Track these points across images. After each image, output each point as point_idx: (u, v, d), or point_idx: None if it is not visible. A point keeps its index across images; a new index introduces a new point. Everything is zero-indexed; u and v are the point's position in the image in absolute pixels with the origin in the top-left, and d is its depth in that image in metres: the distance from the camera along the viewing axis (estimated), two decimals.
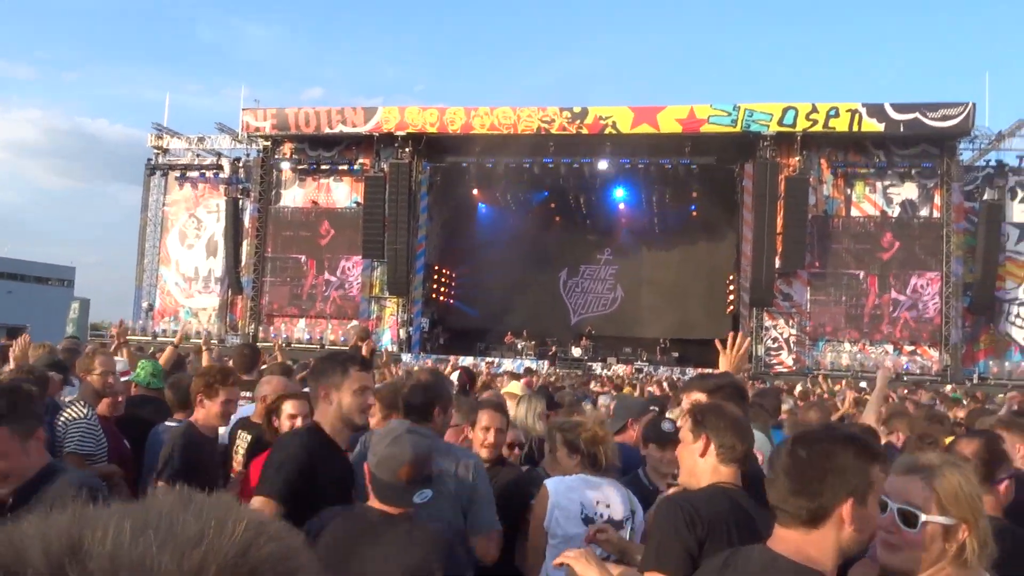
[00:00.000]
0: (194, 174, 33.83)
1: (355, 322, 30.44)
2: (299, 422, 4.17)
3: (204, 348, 7.24)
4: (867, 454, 1.87)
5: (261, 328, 31.79)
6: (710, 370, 5.33)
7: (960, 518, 1.96)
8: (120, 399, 5.01)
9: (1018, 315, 27.66)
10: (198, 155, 34.46)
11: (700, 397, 3.25)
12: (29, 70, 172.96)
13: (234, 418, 4.77)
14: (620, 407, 5.56)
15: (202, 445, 4.11)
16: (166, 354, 7.24)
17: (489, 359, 28.36)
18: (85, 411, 4.52)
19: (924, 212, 28.15)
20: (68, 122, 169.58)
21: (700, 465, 2.66)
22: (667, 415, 5.10)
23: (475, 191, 32.56)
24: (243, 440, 4.61)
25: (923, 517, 1.96)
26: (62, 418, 4.46)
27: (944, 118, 26.86)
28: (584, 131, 28.53)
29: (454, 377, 6.79)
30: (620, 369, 27.33)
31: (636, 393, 12.21)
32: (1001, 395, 16.87)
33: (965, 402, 13.02)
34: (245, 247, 32.44)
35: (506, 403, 4.83)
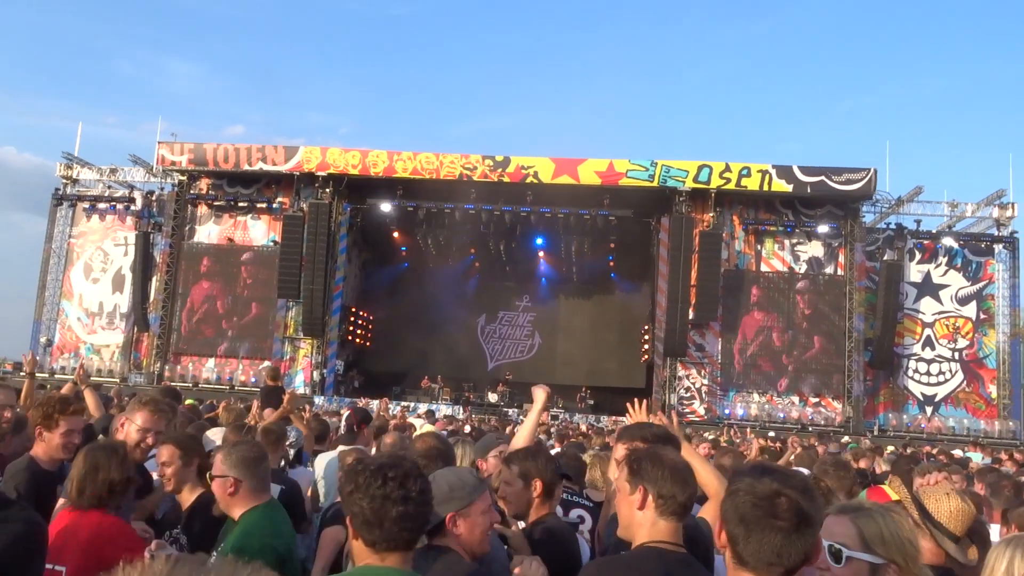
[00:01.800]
0: (104, 206, 32.70)
1: (267, 363, 29.69)
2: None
3: (81, 385, 6.50)
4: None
5: (167, 367, 30.66)
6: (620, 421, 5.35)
7: (889, 558, 2.03)
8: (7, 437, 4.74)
9: (916, 370, 28.96)
10: (109, 187, 33.40)
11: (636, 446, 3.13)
12: None
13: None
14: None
15: (43, 480, 3.88)
16: (64, 390, 6.78)
17: (404, 403, 28.01)
18: None
19: (829, 270, 29.37)
20: None
21: (637, 518, 2.48)
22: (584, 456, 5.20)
23: (395, 234, 32.44)
24: None
25: (846, 553, 2.04)
26: None
27: (848, 182, 28.23)
28: (506, 179, 28.85)
29: (344, 417, 6.54)
30: None
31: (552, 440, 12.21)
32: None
33: (850, 448, 13.52)
34: (154, 283, 31.40)
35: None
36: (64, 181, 33.19)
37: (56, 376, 28.44)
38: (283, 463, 5.72)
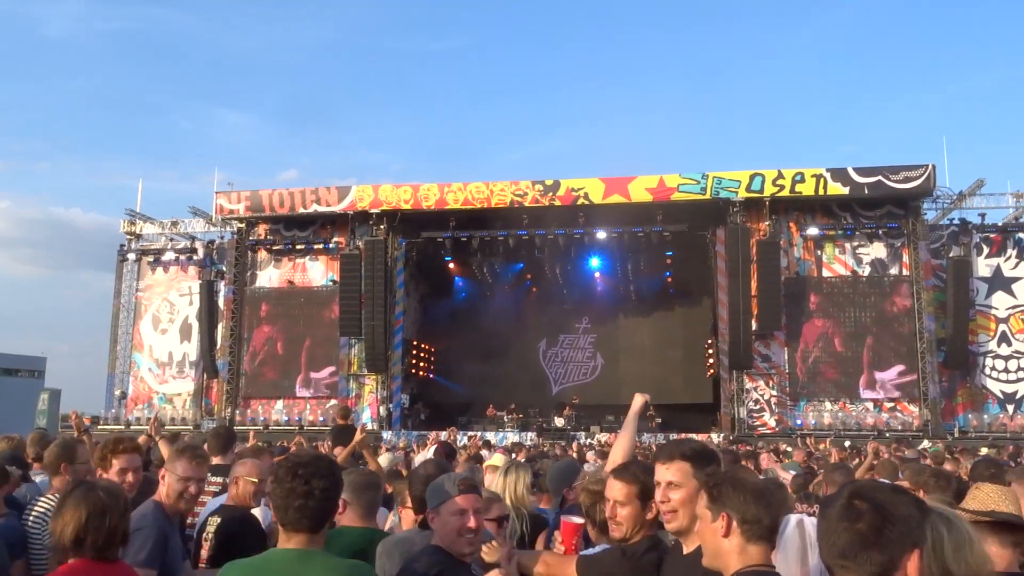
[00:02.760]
0: (167, 258, 33.68)
1: (334, 401, 30.09)
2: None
3: (158, 437, 6.66)
4: (922, 506, 1.87)
5: (238, 412, 31.26)
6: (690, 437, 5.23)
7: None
8: None
9: (992, 367, 28.00)
10: (171, 239, 34.40)
11: (679, 466, 2.98)
12: (0, 163, 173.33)
13: (210, 506, 4.63)
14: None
15: None
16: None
17: (472, 433, 28.05)
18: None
19: (894, 271, 28.65)
20: (40, 212, 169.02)
21: (725, 546, 2.40)
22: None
23: (451, 265, 32.71)
24: (212, 525, 4.32)
25: None
26: (35, 514, 4.31)
27: (906, 180, 27.61)
28: (557, 203, 28.92)
29: (430, 453, 6.55)
30: (603, 437, 27.09)
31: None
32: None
33: (934, 451, 13.06)
34: (220, 329, 32.13)
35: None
36: (128, 237, 34.28)
37: (132, 428, 29.20)
38: None
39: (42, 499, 4.44)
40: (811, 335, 28.52)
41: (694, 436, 25.36)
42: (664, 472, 3.00)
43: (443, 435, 19.40)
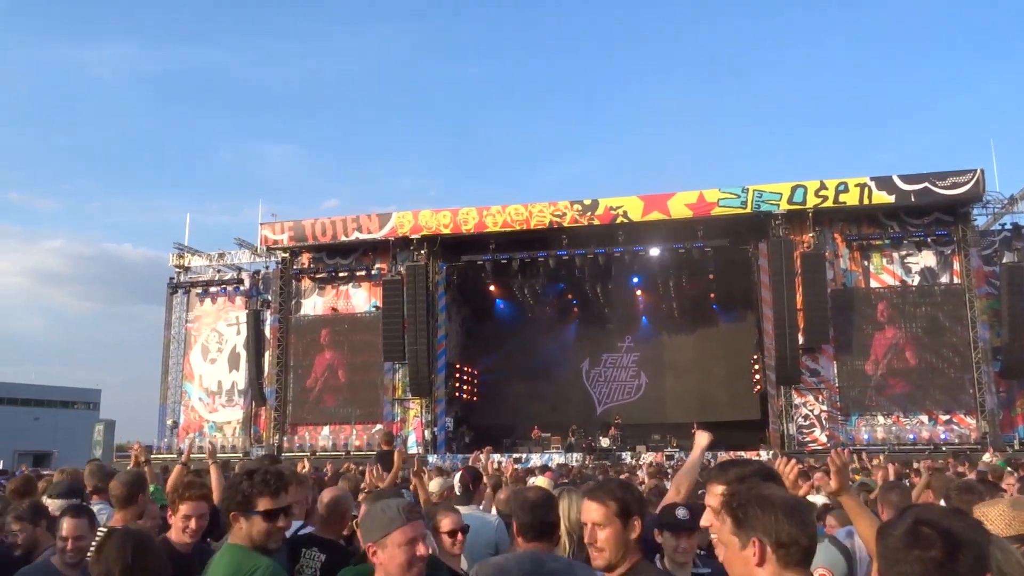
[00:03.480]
0: (215, 289, 34.37)
1: (379, 426, 30.24)
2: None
3: (211, 463, 6.70)
4: (986, 531, 1.81)
5: (285, 438, 31.60)
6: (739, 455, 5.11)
7: None
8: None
9: None
10: (218, 271, 35.09)
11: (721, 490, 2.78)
12: (55, 203, 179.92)
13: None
14: None
15: (176, 561, 3.91)
16: (174, 474, 6.89)
17: (517, 455, 27.94)
18: None
19: (944, 279, 27.94)
20: (93, 249, 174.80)
21: (757, 575, 2.08)
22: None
23: (492, 288, 32.77)
24: (313, 559, 4.22)
25: None
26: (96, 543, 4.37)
27: (953, 186, 26.99)
28: (596, 222, 28.85)
29: (457, 478, 6.42)
30: (649, 457, 26.78)
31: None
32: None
33: (1009, 469, 12.58)
34: (267, 358, 32.59)
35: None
36: (177, 270, 35.06)
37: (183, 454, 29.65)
38: None
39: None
40: (861, 348, 27.89)
41: (743, 454, 24.92)
42: (719, 496, 2.77)
43: (481, 456, 19.29)
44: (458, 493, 6.20)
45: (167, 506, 5.45)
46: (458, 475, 6.18)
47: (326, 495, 4.51)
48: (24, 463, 30.70)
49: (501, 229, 29.62)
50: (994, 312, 27.28)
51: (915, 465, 12.34)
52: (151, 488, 5.60)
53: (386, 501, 3.04)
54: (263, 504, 3.15)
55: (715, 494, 2.84)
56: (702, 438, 4.33)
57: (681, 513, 3.68)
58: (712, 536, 2.78)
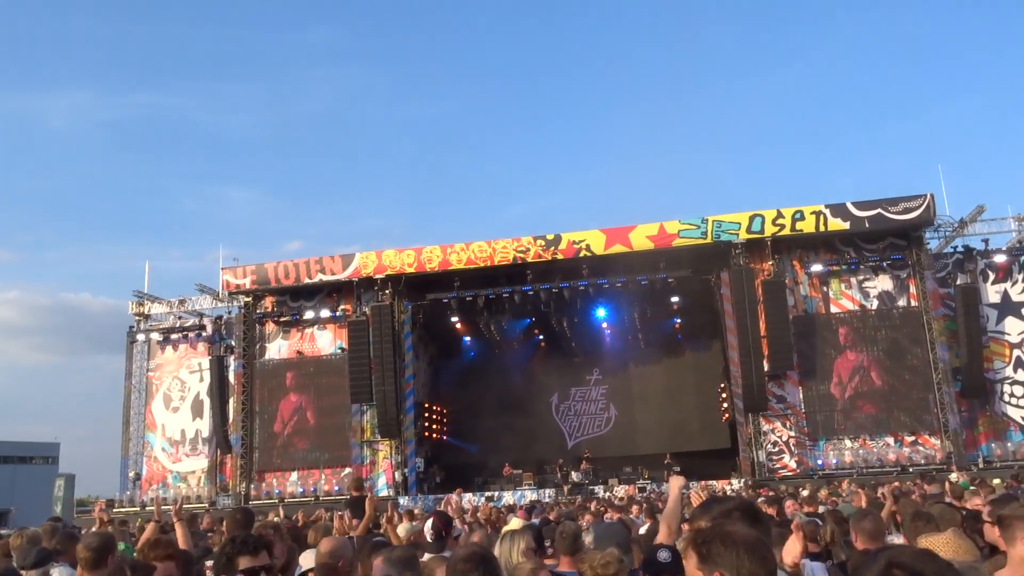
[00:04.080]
0: (176, 336, 33.82)
1: (349, 469, 29.83)
2: None
3: (176, 520, 6.44)
4: (954, 570, 1.85)
5: (253, 486, 31.00)
6: (710, 484, 5.14)
7: None
8: None
9: (1012, 394, 27.62)
10: (180, 317, 34.58)
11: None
12: (9, 254, 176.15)
13: None
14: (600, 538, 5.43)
15: None
16: (147, 532, 6.71)
17: (489, 493, 27.72)
18: None
19: (902, 302, 28.51)
20: (50, 299, 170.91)
21: None
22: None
23: (458, 325, 32.69)
24: None
25: None
26: None
27: (905, 211, 27.67)
28: (559, 256, 29.03)
29: (428, 525, 6.30)
30: (621, 491, 26.75)
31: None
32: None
33: (972, 488, 12.74)
34: (232, 404, 32.06)
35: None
36: (137, 318, 34.48)
37: (147, 509, 28.94)
38: None
39: None
40: (825, 372, 28.26)
41: (714, 483, 24.99)
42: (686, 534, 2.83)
43: (451, 498, 19.14)
44: (429, 540, 6.12)
45: None
46: (429, 522, 6.09)
47: (325, 545, 4.42)
48: None
49: (465, 266, 29.65)
50: (951, 333, 27.86)
51: (880, 490, 12.47)
52: (120, 546, 5.47)
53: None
54: (243, 563, 3.31)
55: (689, 531, 2.88)
56: (675, 482, 4.42)
57: (663, 555, 3.66)
58: None
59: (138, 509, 29.53)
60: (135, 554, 4.33)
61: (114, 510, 29.57)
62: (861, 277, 28.83)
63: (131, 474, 33.03)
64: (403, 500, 26.98)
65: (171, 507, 7.34)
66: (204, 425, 32.74)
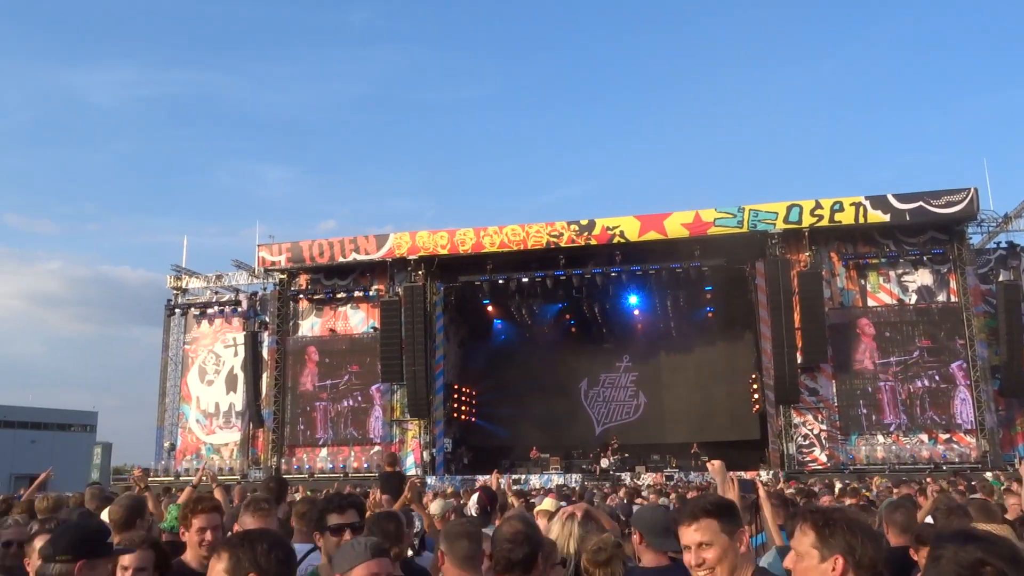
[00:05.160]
0: (212, 311, 34.35)
1: (378, 448, 30.16)
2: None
3: (215, 485, 6.81)
4: None
5: (283, 460, 31.45)
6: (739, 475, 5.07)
7: None
8: None
9: None
10: (216, 292, 35.09)
11: (706, 524, 2.88)
12: (52, 225, 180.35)
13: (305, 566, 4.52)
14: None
15: None
16: (184, 495, 7.02)
17: (515, 476, 27.84)
18: None
19: (941, 297, 28.00)
20: (91, 271, 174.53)
21: None
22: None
23: (490, 308, 32.77)
24: None
25: None
26: None
27: (948, 204, 27.11)
28: (593, 242, 28.92)
29: (473, 500, 6.40)
30: (649, 479, 26.71)
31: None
32: None
33: (1004, 485, 12.54)
34: (265, 379, 32.50)
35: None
36: (174, 292, 35.06)
37: (181, 478, 29.53)
38: (410, 552, 5.70)
39: None
40: (860, 366, 27.90)
41: (742, 474, 24.83)
42: (692, 534, 2.86)
43: (485, 479, 19.23)
44: (475, 514, 6.16)
45: (174, 529, 5.47)
46: (475, 496, 6.16)
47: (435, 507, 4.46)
48: (22, 486, 30.50)
49: (498, 249, 29.67)
50: (991, 331, 27.32)
51: (913, 486, 12.30)
52: (172, 511, 5.59)
53: (357, 538, 3.20)
54: (333, 519, 3.58)
55: (687, 533, 2.90)
56: (719, 465, 4.47)
57: None
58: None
59: (172, 479, 30.12)
60: (182, 510, 4.40)
61: (149, 479, 30.20)
62: (900, 271, 28.34)
63: (166, 444, 33.71)
64: (431, 480, 27.20)
65: (205, 472, 7.58)
66: (238, 399, 33.26)
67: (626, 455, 30.37)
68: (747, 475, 25.42)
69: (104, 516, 5.21)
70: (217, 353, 34.15)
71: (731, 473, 4.56)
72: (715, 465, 4.49)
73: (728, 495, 4.22)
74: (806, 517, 2.40)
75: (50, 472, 8.36)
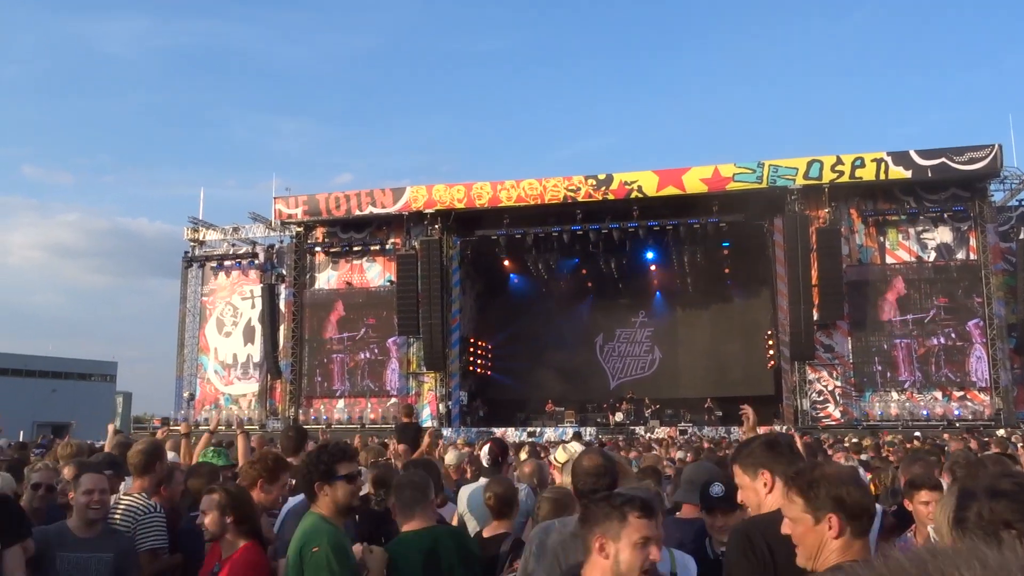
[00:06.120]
0: (230, 263, 34.51)
1: (395, 399, 30.48)
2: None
3: (239, 434, 7.03)
4: None
5: (301, 411, 31.89)
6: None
7: None
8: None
9: None
10: (233, 245, 35.21)
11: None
12: (69, 176, 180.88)
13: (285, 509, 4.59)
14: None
15: None
16: (202, 441, 7.16)
17: (530, 428, 28.15)
18: (153, 505, 4.58)
19: (960, 255, 27.80)
20: (108, 223, 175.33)
21: (831, 546, 2.24)
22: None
23: (506, 262, 32.79)
24: None
25: None
26: (136, 517, 4.50)
27: (971, 161, 26.77)
28: (610, 197, 28.78)
29: (485, 451, 6.48)
30: (662, 432, 26.93)
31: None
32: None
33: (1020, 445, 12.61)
34: (282, 331, 32.80)
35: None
36: (192, 244, 35.21)
37: (200, 428, 29.97)
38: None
39: (127, 496, 4.65)
40: (875, 324, 27.85)
41: (758, 430, 24.95)
42: (742, 476, 2.92)
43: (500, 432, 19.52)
44: (486, 464, 6.28)
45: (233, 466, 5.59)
46: (486, 447, 6.25)
47: (406, 475, 4.39)
48: (43, 433, 31.13)
49: (515, 204, 29.59)
50: (1010, 289, 27.16)
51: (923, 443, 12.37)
52: (217, 458, 5.70)
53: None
54: (343, 469, 3.50)
55: (740, 475, 2.95)
56: (751, 413, 4.82)
57: (715, 490, 3.66)
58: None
59: (192, 428, 30.58)
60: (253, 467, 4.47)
61: (169, 428, 30.72)
62: (920, 228, 28.12)
63: (185, 394, 34.19)
64: (446, 431, 27.52)
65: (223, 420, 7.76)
66: (255, 350, 33.61)
67: (657, 407, 30.45)
68: (761, 430, 25.60)
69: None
70: (234, 305, 34.42)
71: (743, 428, 4.66)
72: (748, 410, 4.60)
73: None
74: (790, 483, 2.36)
75: (73, 425, 8.60)
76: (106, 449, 7.15)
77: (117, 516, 4.49)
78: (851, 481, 2.31)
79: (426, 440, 7.77)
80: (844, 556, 2.20)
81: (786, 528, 2.36)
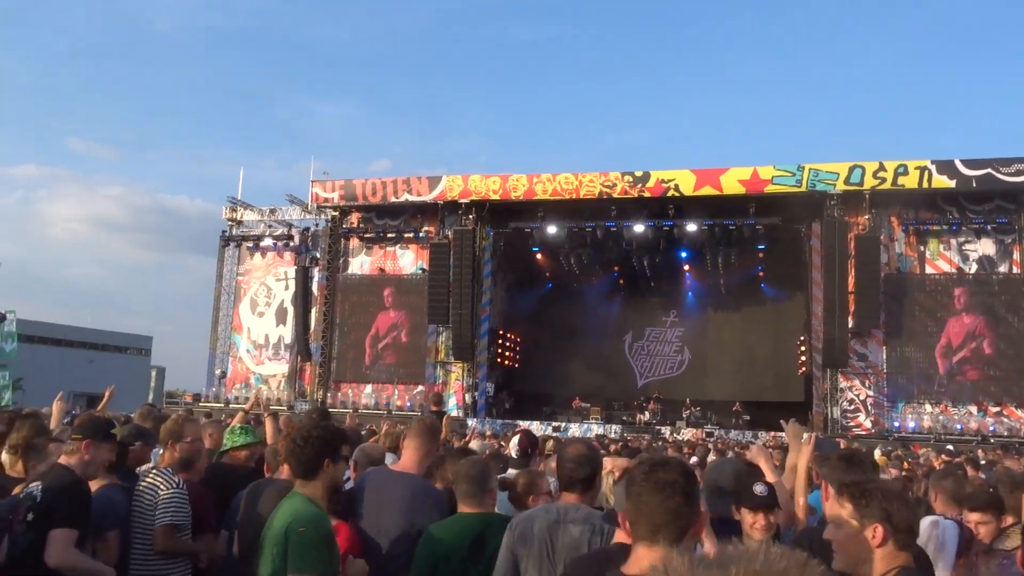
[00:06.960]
0: (265, 244, 34.86)
1: (421, 387, 30.63)
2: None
3: (267, 415, 7.08)
4: None
5: (329, 394, 32.16)
6: (779, 436, 5.05)
7: None
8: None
9: None
10: (270, 226, 35.56)
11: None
12: (113, 150, 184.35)
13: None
14: None
15: None
16: (236, 419, 7.23)
17: (556, 423, 28.13)
18: (176, 481, 4.62)
19: (1003, 268, 27.21)
20: (149, 199, 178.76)
21: (877, 555, 2.43)
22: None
23: (538, 256, 32.73)
24: None
25: None
26: (158, 491, 4.53)
27: (1018, 172, 26.16)
28: (647, 194, 28.57)
29: (514, 442, 6.43)
30: (688, 433, 26.77)
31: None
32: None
33: None
34: (314, 314, 33.09)
35: None
36: (229, 223, 35.63)
37: (231, 406, 30.39)
38: None
39: (152, 472, 4.68)
40: (912, 334, 27.37)
41: (783, 436, 24.68)
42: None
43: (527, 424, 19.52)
44: (515, 456, 6.24)
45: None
46: (516, 438, 6.20)
47: (468, 463, 4.13)
48: (79, 403, 31.76)
49: (550, 197, 29.51)
50: None
51: (958, 459, 12.14)
52: (245, 437, 5.75)
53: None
54: (345, 450, 3.74)
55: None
56: (797, 429, 4.82)
57: (759, 489, 3.63)
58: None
59: (222, 405, 31.02)
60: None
61: (200, 404, 31.18)
62: (962, 239, 27.55)
63: (217, 372, 34.65)
64: (471, 422, 27.60)
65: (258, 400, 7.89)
66: (287, 332, 33.95)
67: (697, 408, 30.23)
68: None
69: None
70: (268, 286, 34.79)
71: (771, 433, 4.80)
72: (790, 426, 4.72)
73: (799, 460, 4.37)
74: (842, 490, 2.54)
75: (113, 390, 8.65)
76: (135, 420, 7.24)
77: (142, 487, 4.55)
78: (902, 498, 2.51)
79: (443, 427, 7.79)
80: (891, 564, 2.40)
81: (828, 533, 2.55)
